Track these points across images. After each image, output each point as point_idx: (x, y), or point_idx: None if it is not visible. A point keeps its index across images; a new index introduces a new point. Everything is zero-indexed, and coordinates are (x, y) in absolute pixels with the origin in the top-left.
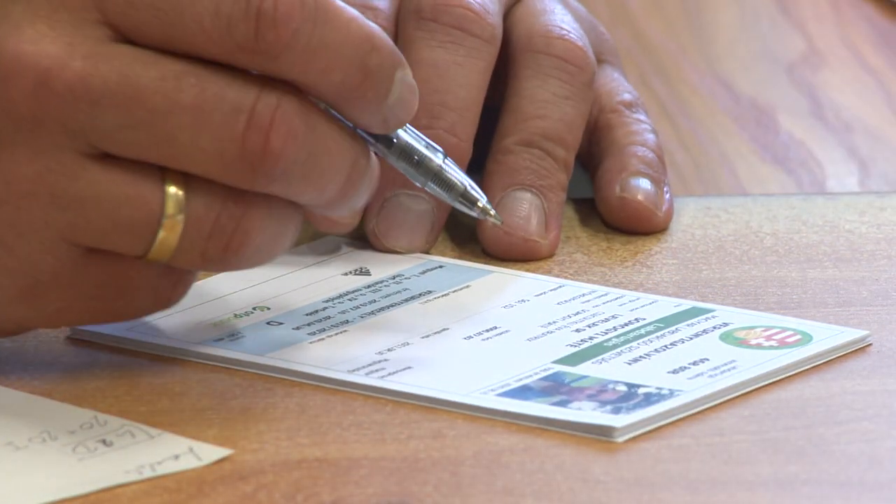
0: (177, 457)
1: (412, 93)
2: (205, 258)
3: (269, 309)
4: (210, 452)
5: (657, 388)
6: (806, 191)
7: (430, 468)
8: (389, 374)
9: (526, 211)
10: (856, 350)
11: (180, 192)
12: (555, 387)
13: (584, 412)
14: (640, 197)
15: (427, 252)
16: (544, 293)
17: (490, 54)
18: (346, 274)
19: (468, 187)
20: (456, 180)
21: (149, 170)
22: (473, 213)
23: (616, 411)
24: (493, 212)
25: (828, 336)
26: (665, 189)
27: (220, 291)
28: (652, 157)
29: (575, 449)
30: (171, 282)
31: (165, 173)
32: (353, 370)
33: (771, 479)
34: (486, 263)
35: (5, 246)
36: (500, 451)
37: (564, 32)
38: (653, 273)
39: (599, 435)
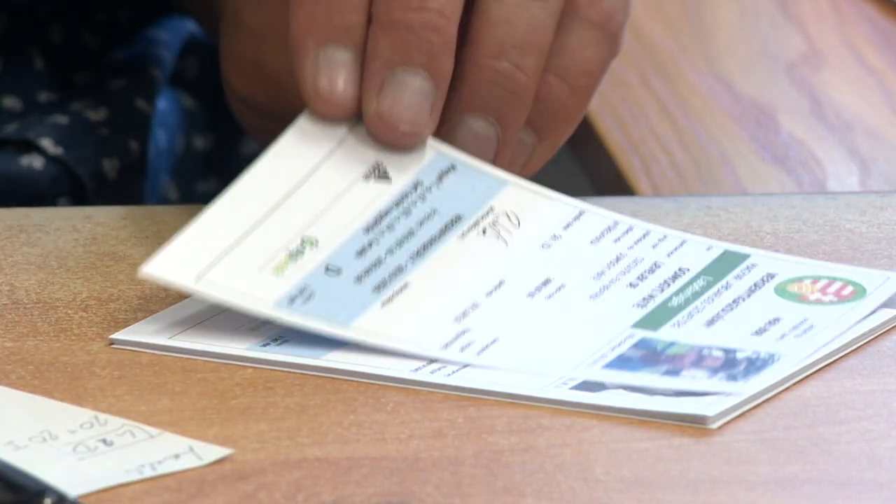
0: (177, 456)
1: None
2: None
3: (316, 242)
4: (210, 452)
5: (754, 353)
6: (806, 190)
7: (431, 468)
8: (482, 349)
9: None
10: (856, 349)
11: None
12: (652, 355)
13: (702, 381)
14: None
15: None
16: (570, 224)
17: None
18: (366, 178)
19: None
20: None
21: None
22: None
23: (731, 378)
24: None
25: (879, 284)
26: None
27: (258, 216)
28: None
29: (575, 449)
30: None
31: None
32: (444, 347)
33: (771, 479)
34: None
35: None
36: (500, 451)
37: None
38: None
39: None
